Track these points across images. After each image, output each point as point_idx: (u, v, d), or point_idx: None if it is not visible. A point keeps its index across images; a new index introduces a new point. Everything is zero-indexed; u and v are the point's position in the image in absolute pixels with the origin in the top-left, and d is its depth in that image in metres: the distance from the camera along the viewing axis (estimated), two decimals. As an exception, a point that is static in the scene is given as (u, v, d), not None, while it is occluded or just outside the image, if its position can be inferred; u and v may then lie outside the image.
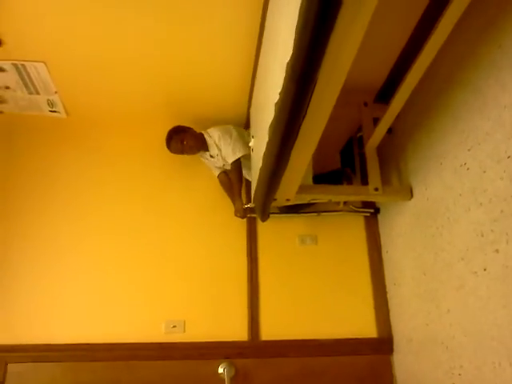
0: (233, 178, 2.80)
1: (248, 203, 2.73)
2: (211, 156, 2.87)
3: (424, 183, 2.41)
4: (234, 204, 2.82)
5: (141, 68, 2.56)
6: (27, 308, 2.66)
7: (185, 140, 2.80)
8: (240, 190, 2.78)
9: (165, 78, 2.68)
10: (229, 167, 2.80)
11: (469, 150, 1.99)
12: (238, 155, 2.71)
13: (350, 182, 2.90)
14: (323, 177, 2.74)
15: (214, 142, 2.79)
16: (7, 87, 2.62)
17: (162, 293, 2.77)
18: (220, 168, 2.91)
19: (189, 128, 2.86)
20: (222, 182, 2.93)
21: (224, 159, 2.79)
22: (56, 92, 2.68)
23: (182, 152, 2.86)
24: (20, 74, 2.51)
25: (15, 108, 2.81)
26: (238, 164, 2.73)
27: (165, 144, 2.83)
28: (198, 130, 2.88)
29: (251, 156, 2.66)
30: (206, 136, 2.85)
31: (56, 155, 3.02)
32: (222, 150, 2.76)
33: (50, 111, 2.86)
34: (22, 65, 2.45)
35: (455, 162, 2.10)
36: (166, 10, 2.14)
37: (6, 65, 2.44)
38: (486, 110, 1.88)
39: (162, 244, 2.88)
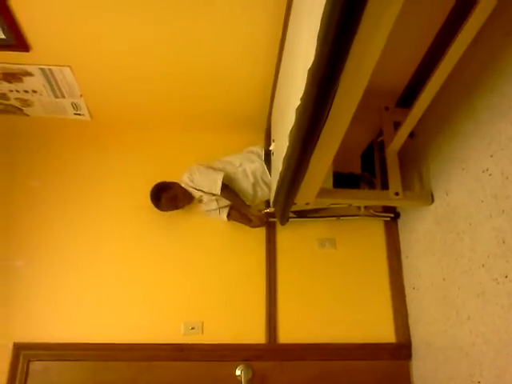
0: (233, 199, 2.75)
1: (267, 208, 2.74)
2: (199, 201, 2.84)
3: (445, 188, 2.39)
4: (250, 221, 2.80)
5: (163, 74, 2.60)
6: (50, 307, 2.72)
7: (176, 193, 2.77)
8: (245, 204, 2.76)
9: (187, 85, 2.70)
10: (224, 202, 2.78)
11: (491, 155, 1.98)
12: (219, 182, 2.64)
13: (372, 187, 2.89)
14: (343, 177, 2.73)
15: (189, 186, 2.76)
16: (34, 91, 2.68)
17: (181, 294, 2.80)
18: (222, 208, 2.81)
19: (171, 183, 2.81)
20: (235, 219, 2.86)
21: (211, 194, 2.73)
22: (81, 95, 2.73)
23: (175, 207, 2.83)
24: (47, 78, 2.56)
25: (41, 111, 2.87)
26: (226, 188, 2.67)
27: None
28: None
29: (272, 160, 2.67)
30: (182, 185, 2.81)
31: (80, 158, 3.07)
32: (203, 188, 2.72)
33: (75, 114, 2.91)
34: (49, 69, 2.50)
35: (477, 167, 2.08)
36: (190, 19, 2.17)
37: (34, 69, 2.50)
38: (510, 115, 1.86)
39: (182, 246, 2.91)
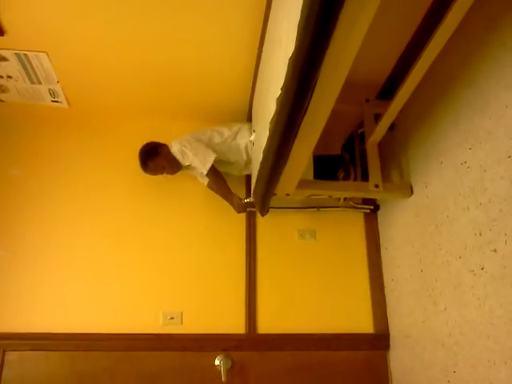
0: (217, 183, 2.77)
1: (247, 197, 2.74)
2: (186, 166, 2.81)
3: (424, 181, 2.41)
4: (230, 203, 2.80)
5: (142, 62, 2.56)
6: (26, 297, 2.67)
7: (163, 165, 2.78)
8: (228, 189, 2.76)
9: (167, 73, 2.67)
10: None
11: (470, 148, 1.99)
12: (209, 164, 2.64)
13: (347, 174, 2.88)
14: (323, 159, 2.75)
15: (179, 156, 2.73)
16: (9, 76, 2.61)
17: (160, 284, 2.78)
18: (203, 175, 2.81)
19: (161, 147, 2.79)
20: (212, 189, 2.87)
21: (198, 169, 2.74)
22: (58, 82, 2.67)
23: (161, 174, 2.85)
24: (22, 63, 2.50)
25: (17, 97, 2.80)
26: (213, 170, 2.67)
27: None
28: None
29: (252, 150, 2.67)
30: (171, 152, 2.78)
31: (57, 145, 3.01)
32: (191, 162, 2.70)
33: (52, 101, 2.85)
34: (25, 54, 2.44)
35: (456, 160, 2.10)
36: (168, 7, 2.14)
37: (9, 54, 2.43)
38: (488, 109, 1.88)
39: (161, 236, 2.89)
